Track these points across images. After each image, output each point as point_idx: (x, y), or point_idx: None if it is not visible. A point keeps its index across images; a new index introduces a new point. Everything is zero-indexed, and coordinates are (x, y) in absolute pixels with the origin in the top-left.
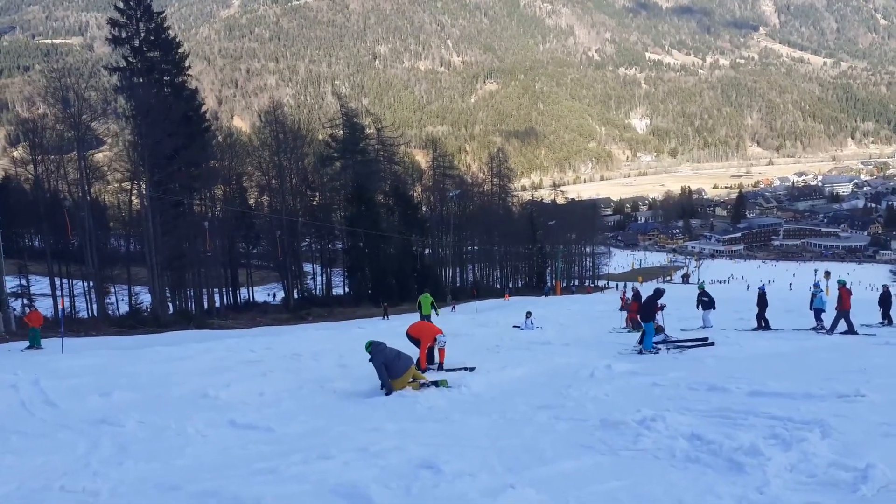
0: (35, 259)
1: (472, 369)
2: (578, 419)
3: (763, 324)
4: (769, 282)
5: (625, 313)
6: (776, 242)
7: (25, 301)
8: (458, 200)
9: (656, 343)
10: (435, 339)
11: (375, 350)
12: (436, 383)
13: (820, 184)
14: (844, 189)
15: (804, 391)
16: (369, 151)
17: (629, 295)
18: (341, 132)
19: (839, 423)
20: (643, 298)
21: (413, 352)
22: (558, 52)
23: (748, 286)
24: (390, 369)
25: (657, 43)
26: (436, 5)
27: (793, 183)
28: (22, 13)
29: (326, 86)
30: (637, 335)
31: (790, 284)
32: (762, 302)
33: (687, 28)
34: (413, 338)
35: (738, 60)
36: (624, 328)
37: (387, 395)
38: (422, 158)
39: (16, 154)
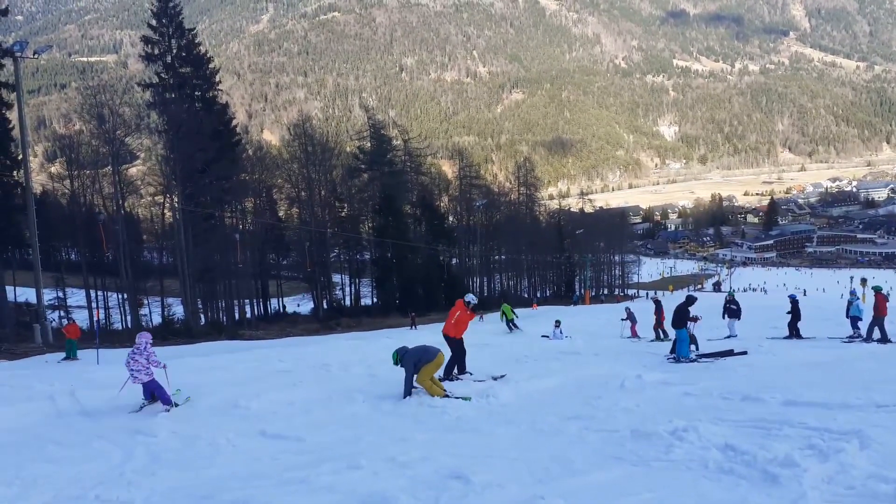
0: (71, 272)
1: (501, 377)
2: (609, 430)
3: (794, 333)
4: (828, 291)
5: (628, 323)
6: (810, 249)
7: (62, 313)
8: (485, 210)
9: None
10: (466, 303)
11: (404, 356)
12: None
13: (854, 189)
14: (880, 194)
15: (841, 401)
16: (396, 163)
17: (633, 308)
18: (369, 144)
19: (878, 434)
20: (672, 305)
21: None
22: (585, 60)
23: (765, 290)
24: (418, 365)
25: (685, 50)
26: (461, 16)
27: (826, 189)
28: (59, 32)
29: (354, 98)
30: (663, 344)
31: (804, 291)
32: (795, 311)
33: (715, 34)
34: (447, 336)
35: (768, 66)
36: (628, 338)
37: (404, 396)
38: (448, 169)
39: (53, 169)
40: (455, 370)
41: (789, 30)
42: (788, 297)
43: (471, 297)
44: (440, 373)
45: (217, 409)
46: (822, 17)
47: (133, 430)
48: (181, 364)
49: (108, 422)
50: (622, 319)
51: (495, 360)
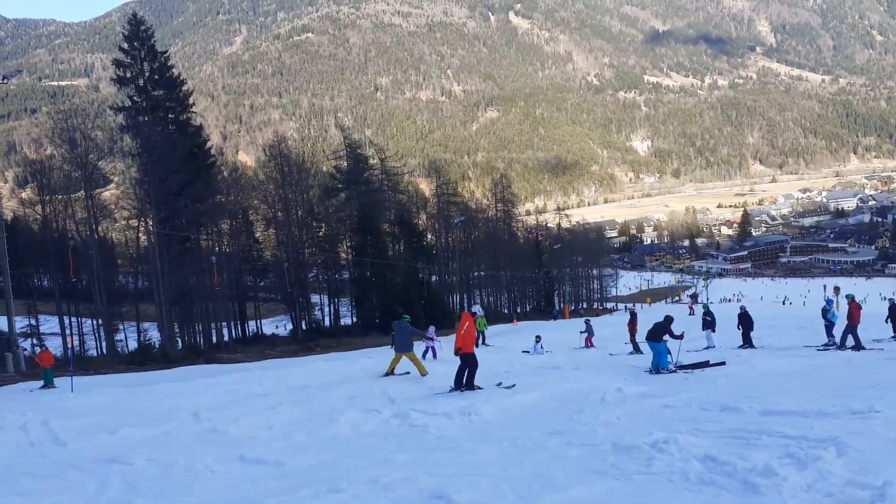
0: (44, 299)
1: (512, 386)
2: (590, 444)
3: (746, 342)
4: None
5: (585, 335)
6: (783, 259)
7: (35, 341)
8: (463, 227)
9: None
10: (472, 314)
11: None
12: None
13: (825, 200)
14: (849, 204)
15: (817, 409)
16: (373, 182)
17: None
18: (345, 164)
19: (854, 441)
20: (649, 322)
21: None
22: (557, 78)
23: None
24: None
25: (656, 66)
26: (435, 36)
27: (797, 200)
28: (28, 57)
29: (329, 118)
30: (643, 356)
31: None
32: (745, 321)
33: (685, 51)
34: (461, 351)
35: (736, 80)
36: (581, 347)
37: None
38: (426, 186)
39: (24, 195)
40: (464, 382)
41: (756, 45)
42: (739, 306)
43: (477, 309)
44: (451, 384)
45: (195, 435)
46: (787, 32)
47: (108, 459)
48: (158, 389)
49: (83, 451)
50: (581, 332)
51: (476, 376)
